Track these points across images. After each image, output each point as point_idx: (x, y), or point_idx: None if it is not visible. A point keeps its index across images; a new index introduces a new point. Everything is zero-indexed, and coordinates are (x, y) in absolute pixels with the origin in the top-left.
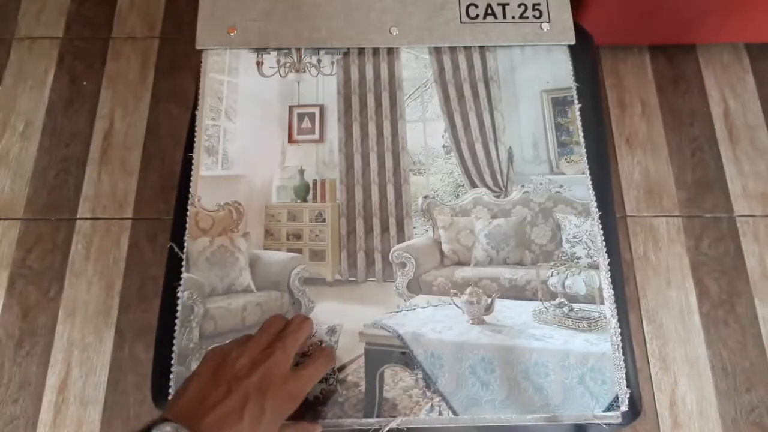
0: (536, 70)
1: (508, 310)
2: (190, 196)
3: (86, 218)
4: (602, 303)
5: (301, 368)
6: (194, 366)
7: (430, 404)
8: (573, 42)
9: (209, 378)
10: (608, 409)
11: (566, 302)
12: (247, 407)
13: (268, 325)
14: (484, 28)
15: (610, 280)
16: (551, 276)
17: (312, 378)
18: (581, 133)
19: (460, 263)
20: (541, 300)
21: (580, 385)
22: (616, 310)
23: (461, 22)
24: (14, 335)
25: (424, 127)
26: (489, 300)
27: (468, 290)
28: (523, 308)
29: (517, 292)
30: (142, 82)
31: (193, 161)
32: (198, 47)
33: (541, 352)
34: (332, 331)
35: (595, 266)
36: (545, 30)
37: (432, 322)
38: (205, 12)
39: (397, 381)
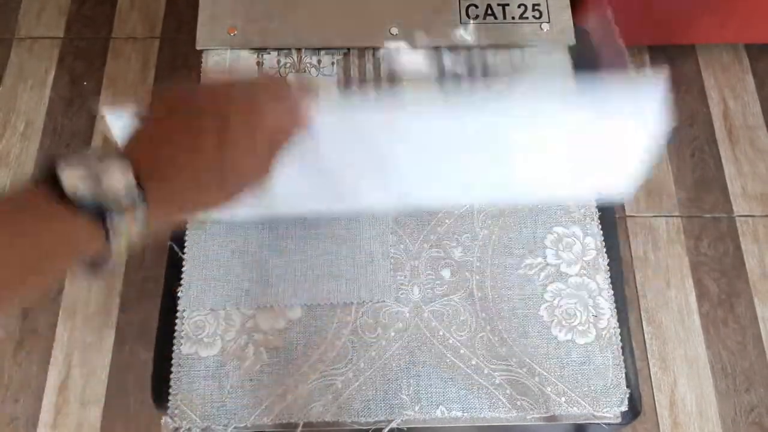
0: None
1: None
2: None
3: None
4: None
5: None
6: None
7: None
8: (573, 42)
9: (166, 111)
10: (608, 409)
11: None
12: (207, 131)
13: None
14: (484, 28)
15: (609, 280)
16: None
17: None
18: None
19: None
20: None
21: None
22: (616, 310)
23: (461, 23)
24: (14, 335)
25: None
26: None
27: None
28: None
29: None
30: (142, 82)
31: None
32: (198, 47)
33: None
34: None
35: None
36: (545, 30)
37: None
38: (205, 13)
39: None
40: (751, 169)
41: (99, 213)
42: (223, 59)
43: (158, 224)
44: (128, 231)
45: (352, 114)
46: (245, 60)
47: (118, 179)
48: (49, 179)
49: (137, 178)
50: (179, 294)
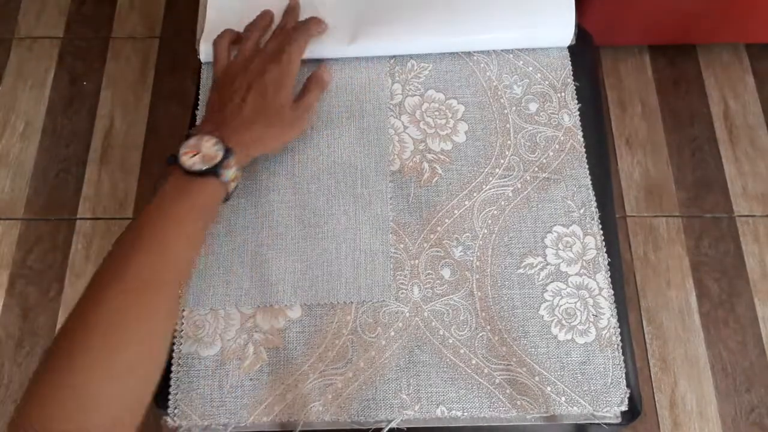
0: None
1: None
2: None
3: (86, 218)
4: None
5: (298, 100)
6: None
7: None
8: (573, 42)
9: (221, 87)
10: (608, 408)
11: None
12: (250, 90)
13: (277, 30)
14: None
15: (610, 280)
16: None
17: (296, 46)
18: (581, 133)
19: None
20: None
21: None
22: (616, 310)
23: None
24: (14, 335)
25: None
26: None
27: None
28: None
29: None
30: (142, 82)
31: None
32: (203, 60)
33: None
34: None
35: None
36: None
37: None
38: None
39: None
40: (752, 169)
41: (213, 173)
42: None
43: (245, 163)
44: (232, 175)
45: None
46: None
47: (213, 150)
48: (173, 166)
49: (222, 141)
50: (179, 294)
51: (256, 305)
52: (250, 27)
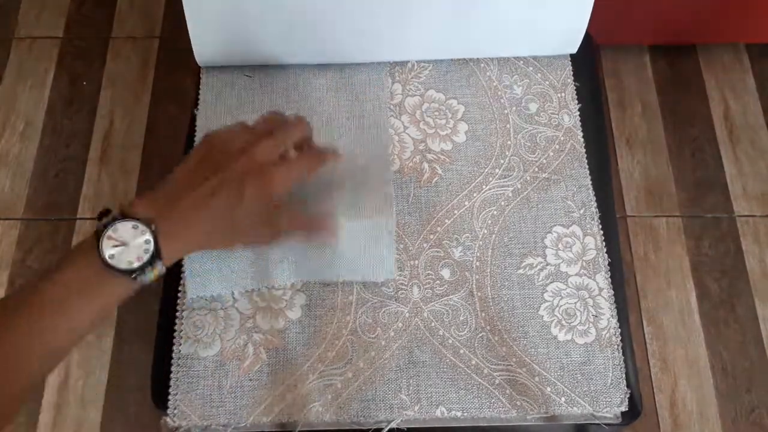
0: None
1: None
2: None
3: (86, 218)
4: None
5: (286, 160)
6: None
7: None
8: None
9: (196, 163)
10: (608, 409)
11: None
12: (221, 192)
13: (265, 118)
14: None
15: (610, 280)
16: None
17: (296, 169)
18: (581, 133)
19: None
20: None
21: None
22: (615, 310)
23: None
24: None
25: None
26: None
27: None
28: None
29: None
30: (142, 82)
31: None
32: (200, 63)
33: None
34: None
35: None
36: None
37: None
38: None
39: None
40: (752, 169)
41: (130, 272)
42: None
43: (174, 261)
44: (153, 277)
45: None
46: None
47: (140, 248)
48: (92, 246)
49: (155, 238)
50: (182, 280)
51: (256, 286)
52: (269, 117)
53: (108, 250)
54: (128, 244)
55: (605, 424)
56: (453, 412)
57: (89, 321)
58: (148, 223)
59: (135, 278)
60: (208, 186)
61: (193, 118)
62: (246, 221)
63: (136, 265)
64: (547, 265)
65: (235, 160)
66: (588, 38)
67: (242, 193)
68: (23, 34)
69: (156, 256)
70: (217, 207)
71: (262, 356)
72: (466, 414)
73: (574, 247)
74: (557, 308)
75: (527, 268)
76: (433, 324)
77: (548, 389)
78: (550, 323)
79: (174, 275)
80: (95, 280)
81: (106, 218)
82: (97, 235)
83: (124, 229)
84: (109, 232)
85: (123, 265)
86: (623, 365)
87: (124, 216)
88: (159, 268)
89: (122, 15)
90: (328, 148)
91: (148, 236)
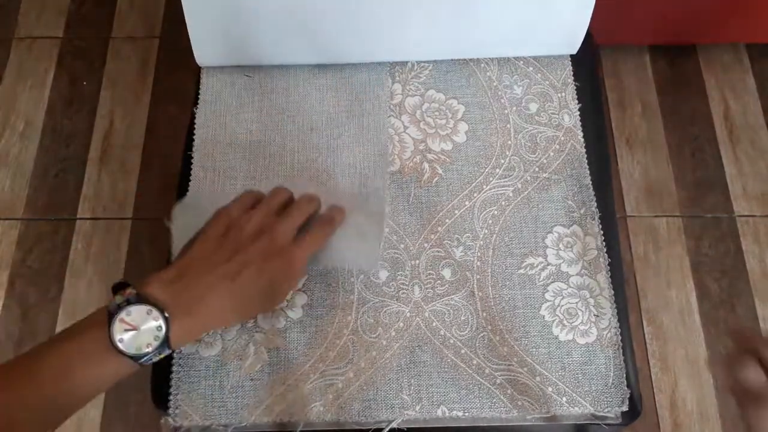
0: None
1: None
2: None
3: (86, 218)
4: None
5: (301, 236)
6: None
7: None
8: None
9: (214, 243)
10: (608, 409)
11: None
12: (242, 274)
13: (274, 193)
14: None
15: (610, 280)
16: None
17: (314, 245)
18: (581, 133)
19: None
20: None
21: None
22: (616, 310)
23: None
24: (14, 335)
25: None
26: None
27: None
28: None
29: None
30: (142, 82)
31: (192, 161)
32: (200, 64)
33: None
34: None
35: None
36: None
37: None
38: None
39: None
40: (752, 169)
41: (136, 358)
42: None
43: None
44: (155, 360)
45: None
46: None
47: (150, 334)
48: (103, 324)
49: (166, 324)
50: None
51: None
52: (278, 191)
53: (118, 334)
54: (139, 329)
55: (605, 424)
56: (454, 411)
57: (86, 397)
58: (162, 308)
59: (141, 363)
60: (228, 268)
61: (193, 118)
62: (263, 298)
63: (144, 350)
64: (548, 264)
65: (254, 242)
66: (588, 38)
67: (265, 275)
68: (23, 34)
69: (165, 342)
70: (237, 289)
71: (263, 356)
72: (467, 414)
73: (575, 247)
74: (558, 308)
75: (528, 268)
76: (434, 324)
77: (549, 389)
78: (551, 323)
79: None
80: (100, 359)
81: (120, 297)
82: (110, 315)
83: (137, 312)
84: (122, 315)
85: (132, 351)
86: (624, 365)
87: (139, 298)
88: (165, 353)
89: (122, 15)
90: (333, 209)
91: (161, 323)
